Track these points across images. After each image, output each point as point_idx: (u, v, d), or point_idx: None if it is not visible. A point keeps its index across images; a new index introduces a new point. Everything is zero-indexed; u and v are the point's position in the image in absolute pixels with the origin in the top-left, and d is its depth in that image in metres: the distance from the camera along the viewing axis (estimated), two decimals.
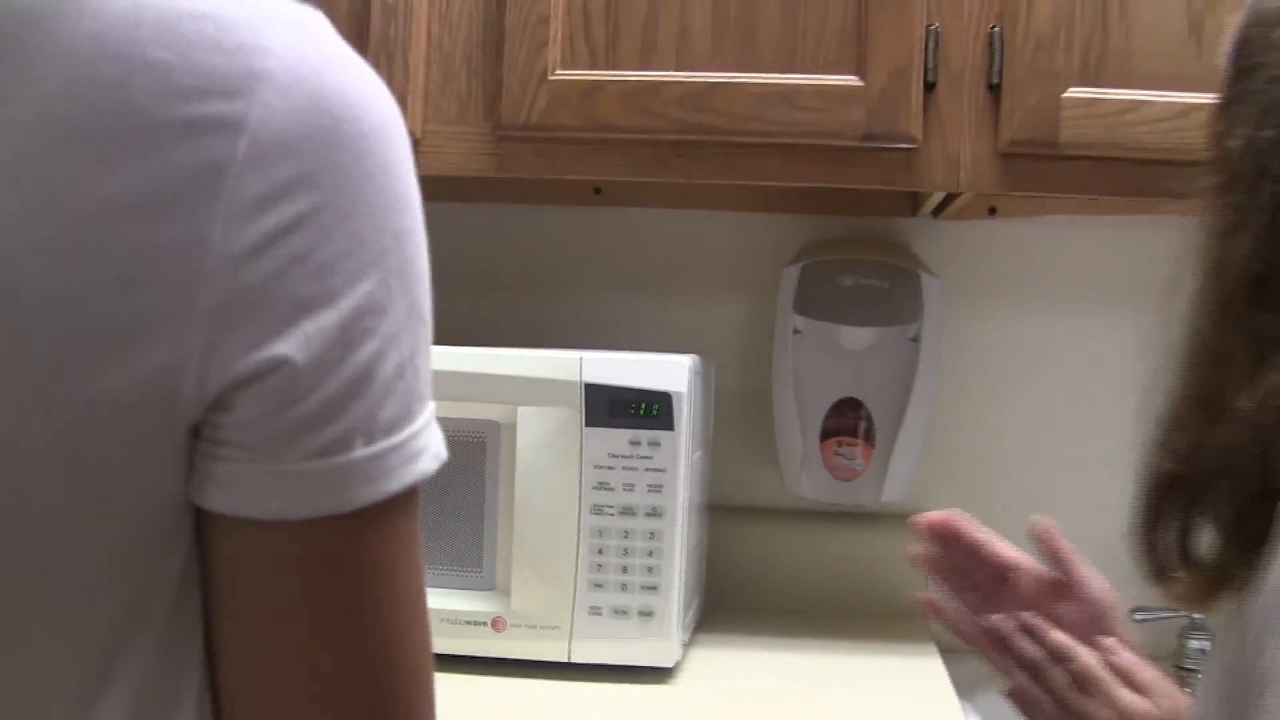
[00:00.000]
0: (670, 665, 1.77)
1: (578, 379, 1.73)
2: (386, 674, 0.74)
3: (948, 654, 1.90)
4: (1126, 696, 1.20)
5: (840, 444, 2.09)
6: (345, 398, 0.69)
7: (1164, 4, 1.67)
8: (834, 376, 2.09)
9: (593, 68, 1.76)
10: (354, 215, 0.69)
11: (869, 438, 2.08)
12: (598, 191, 2.10)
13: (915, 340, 2.05)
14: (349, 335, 0.69)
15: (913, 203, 2.11)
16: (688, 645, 1.88)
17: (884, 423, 2.08)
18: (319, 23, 0.71)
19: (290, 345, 0.67)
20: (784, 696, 1.75)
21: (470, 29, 1.80)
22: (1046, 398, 2.09)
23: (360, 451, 0.70)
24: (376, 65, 1.70)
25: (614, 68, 1.76)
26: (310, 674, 0.73)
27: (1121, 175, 1.65)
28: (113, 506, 0.68)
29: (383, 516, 0.72)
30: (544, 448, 1.72)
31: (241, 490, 0.70)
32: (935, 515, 1.37)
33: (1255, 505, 0.87)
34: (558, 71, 1.75)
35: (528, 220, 2.22)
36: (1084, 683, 1.22)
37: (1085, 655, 1.23)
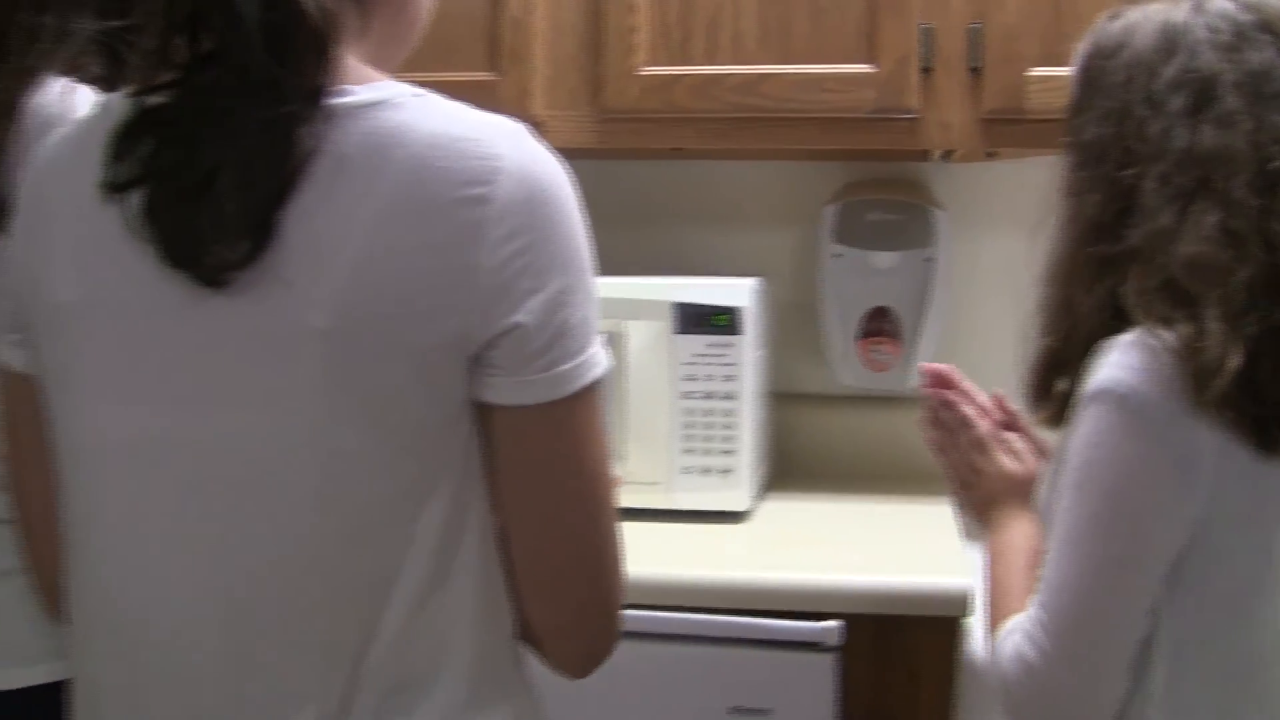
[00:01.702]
0: (744, 510, 2.30)
1: (669, 299, 2.25)
2: (591, 491, 1.20)
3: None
4: (1003, 458, 1.69)
5: (874, 343, 2.58)
6: (554, 340, 1.13)
7: (1100, 3, 2.12)
8: (867, 290, 2.58)
9: (670, 65, 2.27)
10: (550, 241, 1.13)
11: (897, 337, 2.57)
12: (677, 150, 2.56)
13: (930, 260, 2.54)
14: (552, 307, 1.12)
15: (925, 151, 2.51)
16: (757, 498, 2.40)
17: (908, 325, 2.57)
18: (524, 132, 1.15)
19: (523, 315, 1.11)
20: (828, 531, 2.28)
21: (576, 38, 2.31)
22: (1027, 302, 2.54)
23: (563, 367, 1.14)
24: (508, 68, 2.26)
25: (686, 64, 2.27)
26: (546, 492, 1.19)
27: None
28: (435, 397, 1.13)
29: (578, 401, 1.16)
30: (645, 352, 2.25)
31: (501, 390, 1.14)
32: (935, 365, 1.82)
33: (1087, 363, 1.41)
34: (644, 68, 2.27)
35: (624, 173, 2.71)
36: (977, 445, 1.72)
37: (981, 427, 1.72)
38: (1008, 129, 2.22)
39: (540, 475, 1.18)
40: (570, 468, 1.18)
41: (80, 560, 1.23)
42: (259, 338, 1.11)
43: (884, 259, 2.56)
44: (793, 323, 2.69)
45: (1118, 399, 1.33)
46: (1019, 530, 1.61)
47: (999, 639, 1.45)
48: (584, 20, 2.31)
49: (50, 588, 1.34)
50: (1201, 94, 1.41)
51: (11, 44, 1.47)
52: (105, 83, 1.50)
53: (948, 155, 2.50)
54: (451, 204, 1.09)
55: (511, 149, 1.13)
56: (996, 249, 2.60)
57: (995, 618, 1.51)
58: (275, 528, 1.14)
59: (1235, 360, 1.31)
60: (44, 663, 1.51)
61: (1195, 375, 1.31)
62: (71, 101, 1.46)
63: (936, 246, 2.55)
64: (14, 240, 1.25)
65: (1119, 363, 1.35)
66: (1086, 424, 1.37)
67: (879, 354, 2.59)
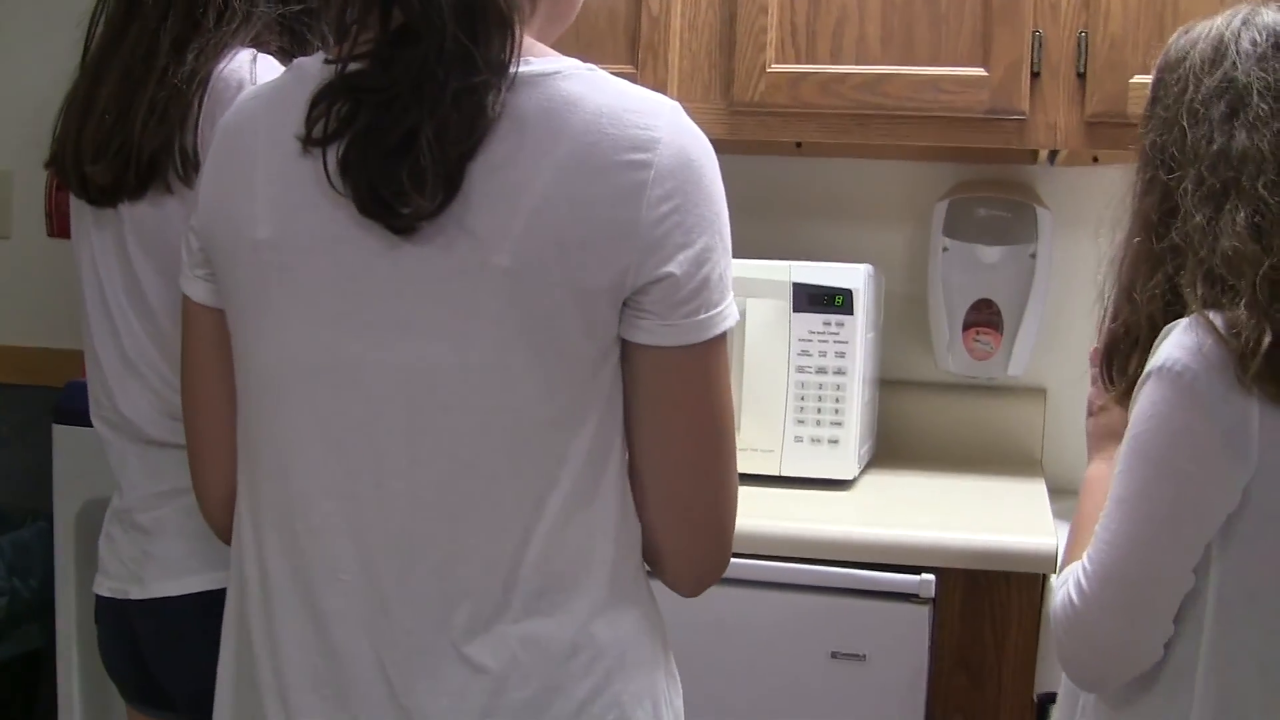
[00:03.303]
0: (849, 478, 2.46)
1: (788, 280, 2.42)
2: (715, 427, 1.32)
3: (1053, 491, 2.54)
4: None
5: (978, 333, 2.73)
6: (698, 291, 1.26)
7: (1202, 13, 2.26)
8: (973, 283, 2.73)
9: (798, 62, 2.45)
10: (699, 205, 1.25)
11: (999, 328, 2.72)
12: (799, 146, 2.71)
13: (1033, 257, 2.69)
14: (699, 261, 1.25)
15: (1033, 154, 2.69)
16: (862, 471, 2.57)
17: (1010, 317, 2.71)
18: (680, 109, 1.27)
19: (674, 266, 1.24)
20: (927, 499, 2.44)
21: (710, 35, 2.49)
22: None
23: (703, 315, 1.27)
24: (646, 60, 2.44)
25: (813, 62, 2.45)
26: (678, 425, 1.31)
27: None
28: (593, 334, 1.25)
29: (712, 347, 1.29)
30: (765, 327, 2.42)
31: (648, 332, 1.26)
32: None
33: (1150, 345, 1.56)
34: (773, 65, 2.45)
35: (750, 167, 2.87)
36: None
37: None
38: (1109, 132, 2.37)
39: (673, 409, 1.31)
40: (699, 404, 1.31)
41: (265, 471, 1.35)
42: (445, 277, 1.23)
43: (990, 253, 2.71)
44: (902, 313, 2.85)
45: (1172, 376, 1.47)
46: (1108, 470, 1.72)
47: (1056, 585, 1.60)
48: (718, 19, 2.49)
49: (215, 506, 1.49)
50: (1237, 100, 1.54)
51: (206, 20, 1.69)
52: (284, 55, 1.72)
53: (1053, 158, 2.66)
54: (618, 166, 1.22)
55: (670, 123, 1.26)
56: (1096, 248, 2.68)
57: (1066, 559, 1.66)
58: (453, 443, 1.26)
59: (1267, 340, 1.44)
60: (202, 573, 1.71)
61: (1238, 355, 1.45)
62: (256, 70, 1.67)
63: (1039, 243, 2.69)
64: (205, 186, 1.39)
65: (1175, 343, 1.48)
66: (1144, 398, 1.50)
67: (982, 343, 2.74)
